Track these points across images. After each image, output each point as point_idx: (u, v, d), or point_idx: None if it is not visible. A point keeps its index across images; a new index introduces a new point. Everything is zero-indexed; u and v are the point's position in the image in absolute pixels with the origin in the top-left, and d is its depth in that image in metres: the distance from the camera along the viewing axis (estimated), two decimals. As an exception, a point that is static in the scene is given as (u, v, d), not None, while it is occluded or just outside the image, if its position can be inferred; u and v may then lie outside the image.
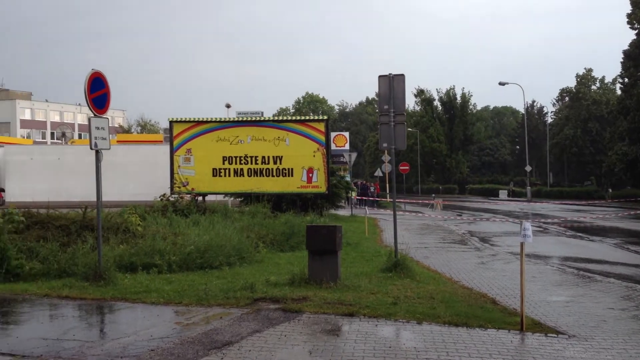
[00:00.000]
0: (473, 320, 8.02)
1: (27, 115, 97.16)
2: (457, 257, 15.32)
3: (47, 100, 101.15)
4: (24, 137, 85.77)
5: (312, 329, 7.60)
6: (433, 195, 51.46)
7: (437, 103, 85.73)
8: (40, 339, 7.12)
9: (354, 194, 37.29)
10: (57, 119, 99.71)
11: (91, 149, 10.59)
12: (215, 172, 24.77)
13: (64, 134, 61.05)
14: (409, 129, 71.42)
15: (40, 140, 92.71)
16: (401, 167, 51.99)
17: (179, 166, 24.98)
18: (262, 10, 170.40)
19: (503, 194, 65.06)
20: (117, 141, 50.79)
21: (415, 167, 75.98)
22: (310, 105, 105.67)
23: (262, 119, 29.77)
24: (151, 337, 7.18)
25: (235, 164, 24.64)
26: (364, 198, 41.50)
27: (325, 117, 27.96)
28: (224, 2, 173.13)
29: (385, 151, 41.57)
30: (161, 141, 50.92)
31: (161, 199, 21.06)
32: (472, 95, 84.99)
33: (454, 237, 20.85)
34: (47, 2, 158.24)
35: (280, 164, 24.45)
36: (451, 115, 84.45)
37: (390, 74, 12.29)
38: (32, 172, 42.74)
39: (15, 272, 10.66)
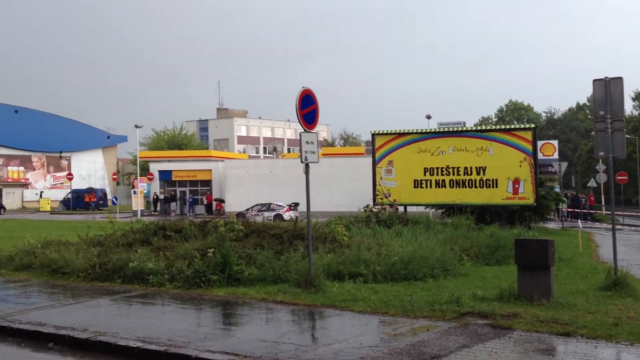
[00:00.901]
0: None
1: (243, 132, 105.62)
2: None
3: (260, 118, 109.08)
4: (240, 152, 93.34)
5: (525, 347, 7.25)
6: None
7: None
8: (260, 341, 7.64)
9: (564, 206, 35.13)
10: (268, 134, 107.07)
11: (302, 162, 11.18)
12: (417, 184, 24.83)
13: (275, 149, 65.41)
14: (627, 136, 65.57)
15: (254, 154, 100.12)
16: (618, 177, 47.84)
17: (381, 178, 25.44)
18: (466, 20, 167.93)
19: None
20: (322, 154, 53.11)
21: (634, 177, 69.46)
22: (514, 113, 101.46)
23: (464, 129, 29.26)
24: (360, 345, 7.36)
25: (437, 175, 24.48)
26: (575, 210, 38.92)
27: (532, 125, 26.73)
28: (433, 13, 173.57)
29: (600, 160, 38.60)
30: (363, 153, 52.20)
31: (365, 210, 21.60)
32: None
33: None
34: (264, 26, 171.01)
35: (484, 174, 23.81)
36: (677, 118, 75.85)
37: (606, 77, 11.42)
38: (248, 185, 46.25)
39: (236, 277, 11.57)
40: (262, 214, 39.13)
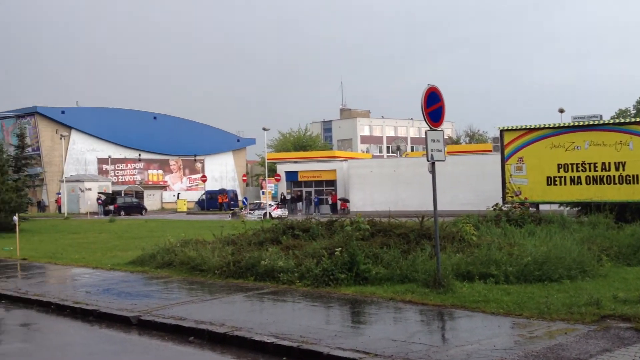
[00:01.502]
0: None
1: (366, 132, 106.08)
2: None
3: (382, 117, 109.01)
4: (363, 152, 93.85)
5: (675, 356, 6.73)
6: None
7: None
8: (389, 340, 7.64)
9: None
10: (391, 133, 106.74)
11: (428, 160, 11.05)
12: (550, 181, 23.73)
13: (398, 148, 65.12)
14: None
15: (378, 154, 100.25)
16: None
17: (510, 175, 24.56)
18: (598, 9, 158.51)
19: None
20: (447, 152, 52.08)
21: None
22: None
23: (601, 122, 27.55)
24: (494, 347, 7.17)
25: (572, 171, 23.27)
26: None
27: (678, 116, 24.68)
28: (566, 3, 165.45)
29: None
30: (490, 150, 50.69)
31: (493, 209, 20.94)
32: None
33: None
34: (390, 27, 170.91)
35: (624, 170, 22.31)
36: None
37: None
38: (372, 184, 46.34)
39: (363, 276, 11.65)
40: (254, 212, 45.29)
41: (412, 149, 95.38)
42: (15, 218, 20.73)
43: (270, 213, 43.59)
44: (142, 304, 10.59)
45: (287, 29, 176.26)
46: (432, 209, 11.38)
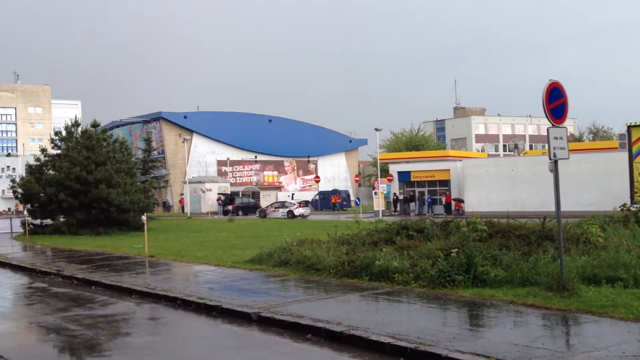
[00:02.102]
0: None
1: (481, 130, 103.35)
2: None
3: (499, 114, 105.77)
4: (478, 151, 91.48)
5: None
6: None
7: None
8: (510, 344, 7.41)
9: None
10: (508, 131, 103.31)
11: (550, 159, 10.60)
12: (685, 179, 22.08)
13: (516, 146, 62.88)
14: None
15: (494, 153, 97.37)
16: None
17: (639, 174, 23.10)
18: None
19: None
20: (569, 150, 49.72)
21: None
22: None
23: None
24: (623, 354, 6.77)
25: None
26: None
27: None
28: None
29: None
30: (616, 148, 47.80)
31: (621, 209, 19.76)
32: None
33: None
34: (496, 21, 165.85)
35: None
36: None
37: None
38: (488, 184, 45.05)
39: (481, 278, 11.36)
40: (278, 210, 49.69)
41: (531, 147, 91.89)
42: (144, 217, 22.01)
43: (292, 211, 48.72)
44: (261, 301, 10.92)
45: (399, 29, 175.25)
46: (552, 209, 10.91)
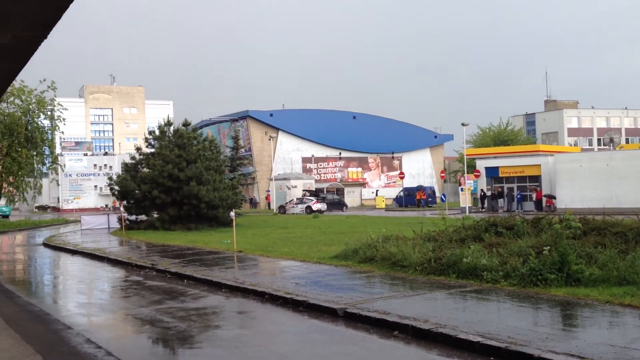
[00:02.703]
0: None
1: (573, 124, 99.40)
2: None
3: (592, 107, 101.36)
4: (571, 145, 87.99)
5: None
6: None
7: None
8: (607, 345, 7.11)
9: None
10: (603, 124, 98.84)
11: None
12: None
13: (611, 140, 60.02)
14: None
15: (587, 147, 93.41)
16: None
17: None
18: None
19: None
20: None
21: None
22: None
23: None
24: None
25: None
26: None
27: None
28: None
29: None
30: None
31: None
32: None
33: None
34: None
35: None
36: None
37: None
38: (581, 179, 43.27)
39: (575, 277, 10.93)
40: (297, 206, 52.72)
41: (627, 141, 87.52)
42: (232, 214, 22.60)
43: (311, 206, 51.31)
44: (347, 296, 10.96)
45: (490, 20, 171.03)
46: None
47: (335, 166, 78.26)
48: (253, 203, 71.52)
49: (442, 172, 72.50)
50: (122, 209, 35.43)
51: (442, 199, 53.29)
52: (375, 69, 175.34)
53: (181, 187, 32.13)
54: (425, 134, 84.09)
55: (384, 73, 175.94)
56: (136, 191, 33.43)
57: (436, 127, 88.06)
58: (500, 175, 50.60)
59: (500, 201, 49.87)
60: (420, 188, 64.59)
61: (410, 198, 62.81)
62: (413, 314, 9.20)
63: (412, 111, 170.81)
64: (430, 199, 63.36)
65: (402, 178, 63.98)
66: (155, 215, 33.45)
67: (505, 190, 50.08)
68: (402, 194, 64.07)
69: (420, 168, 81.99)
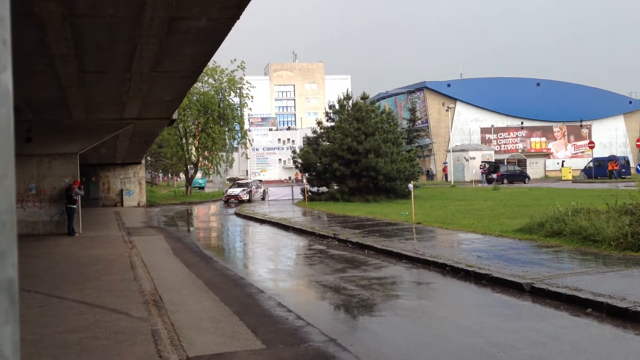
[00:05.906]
0: None
1: None
2: None
3: None
4: None
5: None
6: None
7: None
8: None
9: None
10: None
11: None
12: None
13: None
14: None
15: None
16: None
17: None
18: None
19: None
20: None
21: None
22: None
23: None
24: None
25: None
26: None
27: None
28: None
29: None
30: None
31: None
32: None
33: None
34: None
35: None
36: None
37: None
38: None
39: None
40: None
41: None
42: (410, 186, 22.60)
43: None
44: (533, 271, 10.53)
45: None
46: None
47: (517, 136, 74.95)
48: (430, 175, 70.93)
49: (637, 140, 66.33)
50: (304, 181, 37.01)
51: (637, 169, 48.89)
52: (567, 34, 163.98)
53: (360, 159, 32.75)
54: (618, 99, 77.41)
55: (571, 33, 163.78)
56: (317, 164, 34.67)
57: (631, 92, 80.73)
58: None
59: None
60: (612, 158, 59.71)
61: (601, 169, 58.33)
62: (608, 292, 8.60)
63: (603, 76, 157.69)
64: (623, 170, 58.38)
65: (591, 148, 59.63)
66: (335, 187, 34.50)
67: None
68: (591, 164, 59.69)
69: (612, 137, 75.84)
